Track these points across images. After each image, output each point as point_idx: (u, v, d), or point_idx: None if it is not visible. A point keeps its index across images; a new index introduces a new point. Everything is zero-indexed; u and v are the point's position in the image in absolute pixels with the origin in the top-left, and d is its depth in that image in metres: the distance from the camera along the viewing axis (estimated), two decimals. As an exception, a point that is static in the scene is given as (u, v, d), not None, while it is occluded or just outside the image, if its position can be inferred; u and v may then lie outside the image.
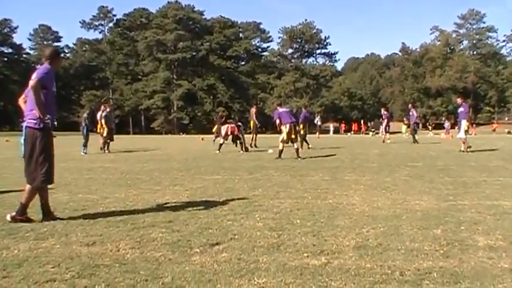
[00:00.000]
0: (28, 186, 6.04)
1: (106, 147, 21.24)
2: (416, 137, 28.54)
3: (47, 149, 6.01)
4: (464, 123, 19.51)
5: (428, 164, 14.22)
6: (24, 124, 6.02)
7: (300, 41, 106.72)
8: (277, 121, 16.25)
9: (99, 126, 21.34)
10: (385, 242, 4.95)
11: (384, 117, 30.63)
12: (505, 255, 4.43)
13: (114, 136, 22.94)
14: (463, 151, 18.76)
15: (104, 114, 21.44)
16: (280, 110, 16.81)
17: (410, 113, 29.32)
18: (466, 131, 19.43)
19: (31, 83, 5.72)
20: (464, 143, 19.11)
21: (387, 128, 29.94)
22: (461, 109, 19.94)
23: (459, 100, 20.50)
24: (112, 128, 22.10)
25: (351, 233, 5.36)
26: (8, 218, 5.93)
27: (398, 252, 4.56)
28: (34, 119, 5.85)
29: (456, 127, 27.89)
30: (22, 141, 6.08)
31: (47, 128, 5.97)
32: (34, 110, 5.80)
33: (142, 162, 15.73)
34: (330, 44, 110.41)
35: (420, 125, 77.63)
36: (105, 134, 21.27)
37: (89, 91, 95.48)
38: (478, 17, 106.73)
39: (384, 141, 28.50)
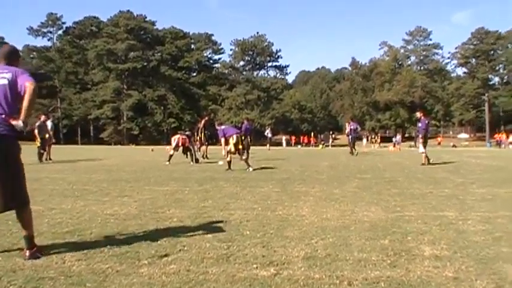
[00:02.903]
0: (22, 212, 4.92)
1: (41, 158, 20.83)
2: (356, 149, 29.59)
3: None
4: (420, 138, 19.98)
5: (376, 176, 14.44)
6: None
7: (251, 53, 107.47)
8: (223, 139, 16.31)
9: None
10: (334, 252, 4.99)
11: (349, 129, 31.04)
12: (449, 264, 4.54)
13: (62, 146, 22.66)
14: (424, 164, 19.05)
15: (37, 124, 21.28)
16: (223, 127, 16.94)
17: (350, 126, 30.13)
18: (424, 144, 19.76)
19: (31, 86, 4.76)
20: (425, 157, 19.41)
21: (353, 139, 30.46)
22: (419, 124, 20.38)
23: (418, 114, 20.85)
24: (44, 139, 21.62)
25: (300, 244, 5.39)
26: (28, 254, 4.76)
27: (347, 263, 4.61)
28: (8, 125, 4.73)
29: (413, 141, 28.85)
30: None
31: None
32: (4, 115, 4.75)
33: (91, 173, 15.46)
34: (281, 57, 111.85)
35: (368, 138, 79.19)
36: (38, 145, 20.96)
37: (36, 100, 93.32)
38: (424, 34, 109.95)
39: (352, 153, 29.14)
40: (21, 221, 4.94)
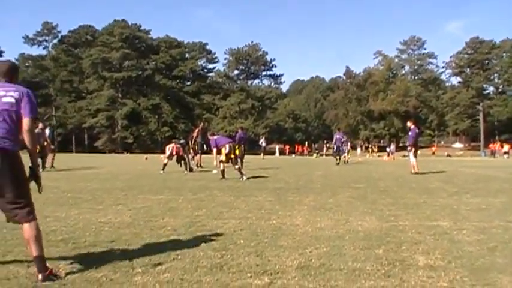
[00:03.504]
0: (27, 228, 4.49)
1: (43, 165, 20.70)
2: (342, 158, 30.79)
3: None
4: (410, 147, 20.15)
5: (370, 185, 14.46)
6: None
7: (245, 62, 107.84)
8: (215, 149, 16.47)
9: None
10: (328, 262, 4.98)
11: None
12: (443, 274, 4.53)
13: (56, 154, 22.55)
14: (416, 173, 19.26)
15: (35, 131, 21.16)
16: (215, 137, 17.22)
17: (336, 136, 31.55)
18: (414, 153, 19.89)
19: (29, 129, 4.61)
20: (413, 166, 19.58)
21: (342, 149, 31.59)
22: (409, 133, 20.56)
23: (409, 123, 21.12)
24: (43, 146, 21.49)
25: (294, 253, 5.38)
26: (40, 277, 4.32)
27: (341, 272, 4.60)
28: (13, 141, 4.54)
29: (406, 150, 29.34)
30: None
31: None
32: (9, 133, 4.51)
33: (85, 181, 15.43)
34: (275, 66, 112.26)
35: (362, 148, 79.36)
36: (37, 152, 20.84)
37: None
38: (419, 43, 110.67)
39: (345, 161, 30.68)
40: (28, 239, 4.46)
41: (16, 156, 4.53)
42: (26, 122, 4.58)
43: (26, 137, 4.62)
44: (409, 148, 20.35)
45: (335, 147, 31.31)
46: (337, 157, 30.13)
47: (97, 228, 6.93)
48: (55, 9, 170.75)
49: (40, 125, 22.13)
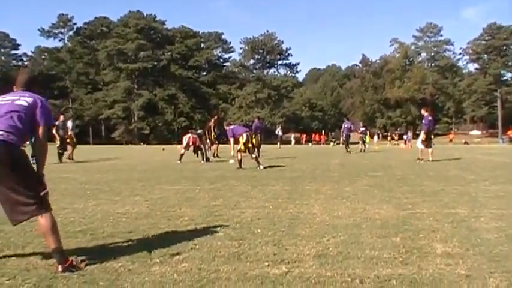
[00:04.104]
0: (42, 220, 4.45)
1: (61, 158, 20.79)
2: (349, 147, 30.62)
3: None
4: (422, 134, 20.09)
5: (387, 173, 14.40)
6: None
7: (261, 51, 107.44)
8: (232, 139, 16.45)
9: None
10: (345, 250, 4.97)
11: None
12: (461, 262, 4.51)
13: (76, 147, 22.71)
14: (419, 159, 19.41)
15: (56, 123, 21.28)
16: (232, 126, 17.25)
17: (344, 125, 32.06)
18: (424, 142, 19.82)
19: (42, 138, 4.69)
20: (422, 152, 19.62)
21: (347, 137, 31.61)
22: (423, 121, 20.50)
23: (422, 111, 21.18)
24: (64, 138, 21.58)
25: (311, 242, 5.38)
26: (60, 269, 4.32)
27: (358, 260, 4.60)
28: (17, 137, 4.46)
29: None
30: None
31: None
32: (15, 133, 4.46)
33: (102, 173, 15.51)
34: (291, 55, 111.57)
35: (379, 136, 78.90)
36: (57, 144, 20.92)
37: (48, 100, 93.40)
38: (435, 30, 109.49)
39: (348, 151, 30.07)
40: (44, 231, 4.46)
41: (20, 150, 4.49)
42: (41, 130, 4.65)
43: (37, 145, 4.71)
44: (423, 136, 20.29)
45: (344, 135, 31.82)
46: (348, 146, 30.53)
47: (115, 219, 6.98)
48: (70, 1, 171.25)
49: (61, 118, 22.24)
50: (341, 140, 36.12)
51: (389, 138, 72.17)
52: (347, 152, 29.35)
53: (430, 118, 20.35)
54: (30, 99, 4.68)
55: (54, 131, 20.63)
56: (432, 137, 20.67)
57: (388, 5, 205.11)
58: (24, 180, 4.39)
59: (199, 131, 21.95)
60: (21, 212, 4.39)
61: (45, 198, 4.57)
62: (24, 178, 4.40)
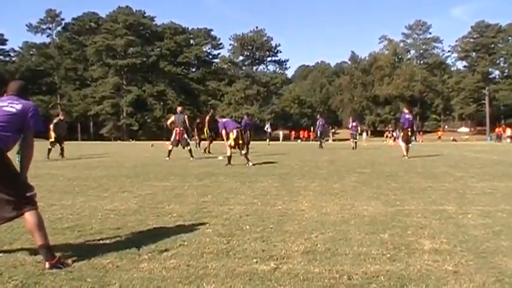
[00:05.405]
0: (27, 217, 4.45)
1: (49, 154, 20.64)
2: (323, 142, 33.96)
3: None
4: (400, 132, 20.59)
5: (376, 170, 14.47)
6: None
7: (250, 48, 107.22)
8: (223, 131, 16.39)
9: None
10: (334, 247, 5.00)
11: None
12: (449, 258, 4.55)
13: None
14: (404, 156, 19.77)
15: (54, 121, 21.32)
16: (224, 120, 17.12)
17: (318, 122, 34.30)
18: (403, 138, 20.13)
19: (29, 142, 4.73)
20: (405, 150, 19.97)
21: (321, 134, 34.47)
22: (401, 119, 20.87)
23: (404, 108, 21.61)
24: (59, 136, 21.50)
25: (300, 238, 5.40)
26: (47, 266, 4.32)
27: (346, 257, 4.62)
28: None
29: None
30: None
31: None
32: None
33: (90, 169, 15.46)
34: (280, 52, 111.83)
35: (367, 133, 78.96)
36: (51, 140, 20.89)
37: (36, 96, 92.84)
38: (424, 27, 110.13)
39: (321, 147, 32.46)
40: (30, 228, 4.46)
41: (2, 152, 4.48)
42: (29, 135, 4.69)
43: (24, 149, 4.71)
44: (400, 133, 20.67)
45: (318, 132, 33.99)
46: (321, 141, 33.23)
47: (103, 215, 6.96)
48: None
49: (60, 115, 22.33)
50: (316, 136, 38.37)
51: (388, 135, 70.66)
52: (320, 147, 31.69)
53: (407, 116, 20.48)
54: (19, 106, 4.67)
55: (51, 129, 20.63)
56: (410, 134, 20.74)
57: (377, 2, 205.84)
58: (8, 179, 4.41)
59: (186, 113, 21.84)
60: (6, 210, 4.42)
61: (31, 196, 4.58)
62: (8, 177, 4.43)
